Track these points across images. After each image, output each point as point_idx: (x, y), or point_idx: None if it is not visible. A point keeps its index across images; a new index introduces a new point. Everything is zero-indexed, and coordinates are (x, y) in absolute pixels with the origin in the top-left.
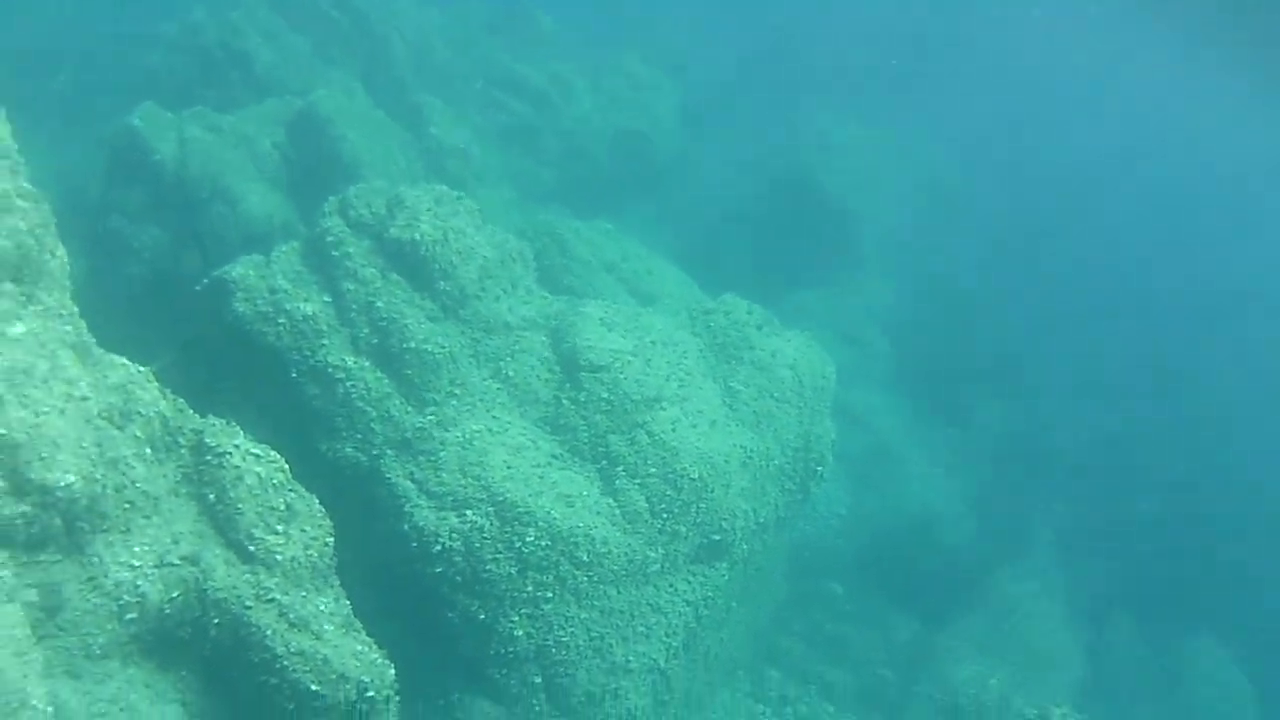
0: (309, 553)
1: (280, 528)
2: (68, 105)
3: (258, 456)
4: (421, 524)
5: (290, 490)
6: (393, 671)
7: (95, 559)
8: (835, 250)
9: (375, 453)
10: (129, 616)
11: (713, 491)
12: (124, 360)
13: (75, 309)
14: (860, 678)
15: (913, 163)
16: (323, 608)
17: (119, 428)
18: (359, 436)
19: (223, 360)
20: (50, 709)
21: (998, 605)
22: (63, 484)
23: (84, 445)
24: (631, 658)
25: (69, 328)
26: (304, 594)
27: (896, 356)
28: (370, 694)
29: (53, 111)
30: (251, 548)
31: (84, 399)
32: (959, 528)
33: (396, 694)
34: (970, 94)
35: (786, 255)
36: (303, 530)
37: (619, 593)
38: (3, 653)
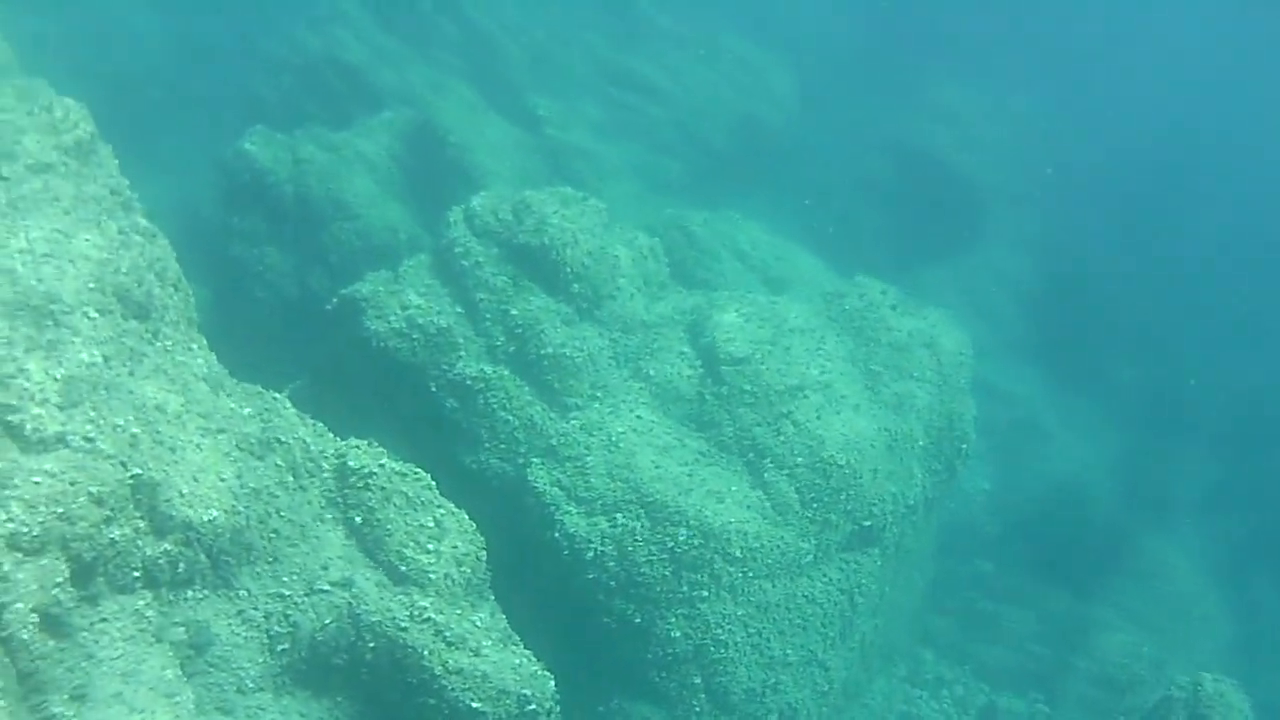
0: (462, 569)
1: (431, 545)
2: (174, 133)
3: (403, 475)
4: (572, 530)
5: (438, 506)
6: (553, 683)
7: (243, 591)
8: (963, 223)
9: (521, 461)
10: (281, 647)
11: (861, 478)
12: (259, 388)
13: (204, 340)
14: (1014, 655)
15: (1037, 132)
16: (479, 623)
17: (259, 457)
18: (503, 446)
19: (358, 379)
20: None
21: (1146, 571)
22: (205, 519)
23: (224, 478)
24: (790, 650)
25: (199, 360)
26: (459, 611)
27: (1030, 327)
28: (531, 707)
29: (159, 140)
30: (403, 568)
31: (220, 431)
32: (1103, 495)
33: (557, 704)
34: (1093, 61)
35: (914, 230)
36: (454, 546)
37: (774, 586)
38: (152, 694)
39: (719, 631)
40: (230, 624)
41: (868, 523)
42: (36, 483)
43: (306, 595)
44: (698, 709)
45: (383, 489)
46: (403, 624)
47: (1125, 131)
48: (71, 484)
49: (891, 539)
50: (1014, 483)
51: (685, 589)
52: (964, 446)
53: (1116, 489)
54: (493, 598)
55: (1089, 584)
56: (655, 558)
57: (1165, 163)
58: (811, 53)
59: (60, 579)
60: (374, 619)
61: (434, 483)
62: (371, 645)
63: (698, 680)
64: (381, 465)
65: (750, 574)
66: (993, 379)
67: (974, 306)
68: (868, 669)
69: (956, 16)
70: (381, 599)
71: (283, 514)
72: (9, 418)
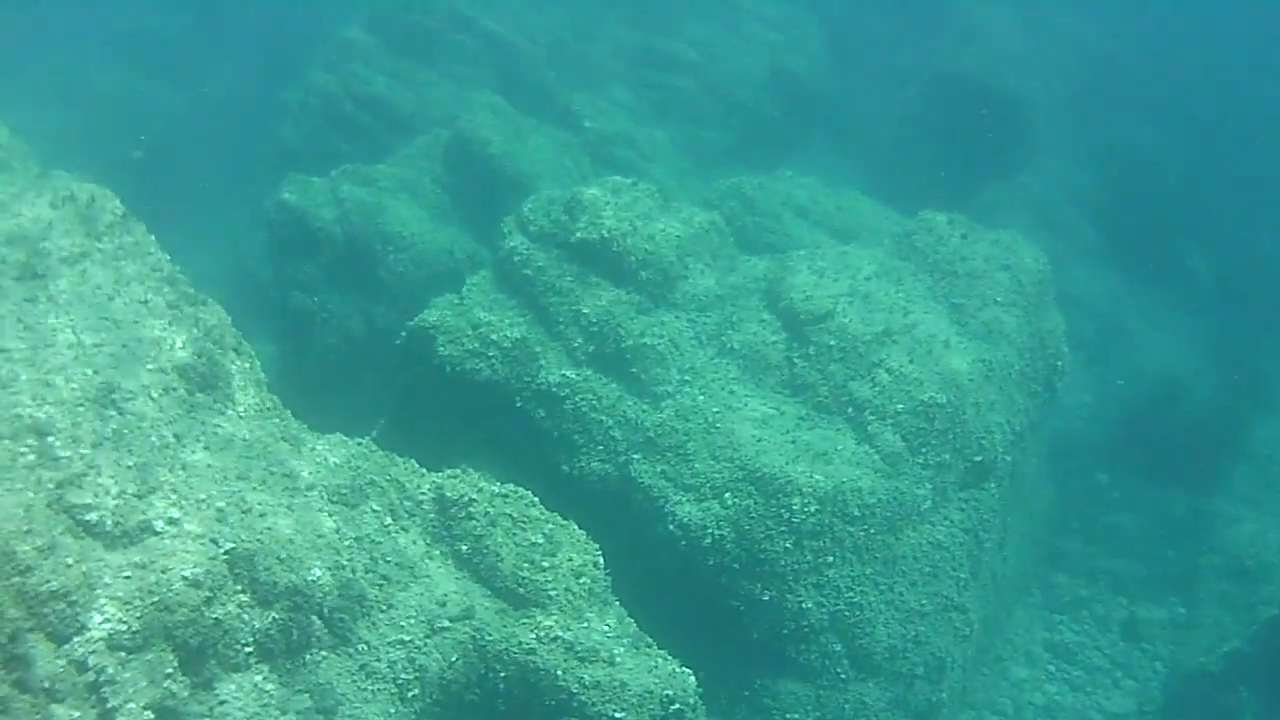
0: (581, 580)
1: (546, 563)
2: (209, 197)
3: (505, 496)
4: (686, 520)
5: (546, 522)
6: (693, 678)
7: (363, 645)
8: (1013, 140)
9: (622, 460)
10: (411, 694)
11: (964, 413)
12: (342, 436)
13: (276, 400)
14: (1145, 563)
15: (1069, 39)
16: (608, 631)
17: (354, 506)
18: (601, 448)
19: (442, 408)
20: None
21: (1259, 456)
22: (310, 580)
23: (322, 534)
24: (925, 600)
25: (276, 420)
26: (586, 624)
27: (1098, 232)
28: (676, 706)
29: (194, 208)
30: (521, 590)
31: (310, 488)
32: (1202, 386)
33: (701, 699)
34: None
35: (966, 156)
36: (569, 559)
37: (898, 539)
38: None
39: (851, 594)
40: (355, 680)
41: (979, 458)
42: (128, 577)
43: (428, 636)
44: (842, 675)
45: (486, 514)
46: (530, 647)
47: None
48: (164, 571)
49: (1005, 469)
50: (1113, 390)
51: (810, 558)
52: (1059, 363)
53: (1214, 378)
54: (618, 603)
55: (1204, 479)
56: (774, 532)
57: (1209, 47)
58: None
59: (170, 670)
60: (500, 647)
61: (537, 499)
62: (503, 675)
63: (838, 647)
64: (480, 490)
65: (872, 531)
66: (1072, 290)
67: (1040, 220)
68: (1003, 603)
69: None
70: (505, 626)
71: (389, 558)
72: (88, 517)
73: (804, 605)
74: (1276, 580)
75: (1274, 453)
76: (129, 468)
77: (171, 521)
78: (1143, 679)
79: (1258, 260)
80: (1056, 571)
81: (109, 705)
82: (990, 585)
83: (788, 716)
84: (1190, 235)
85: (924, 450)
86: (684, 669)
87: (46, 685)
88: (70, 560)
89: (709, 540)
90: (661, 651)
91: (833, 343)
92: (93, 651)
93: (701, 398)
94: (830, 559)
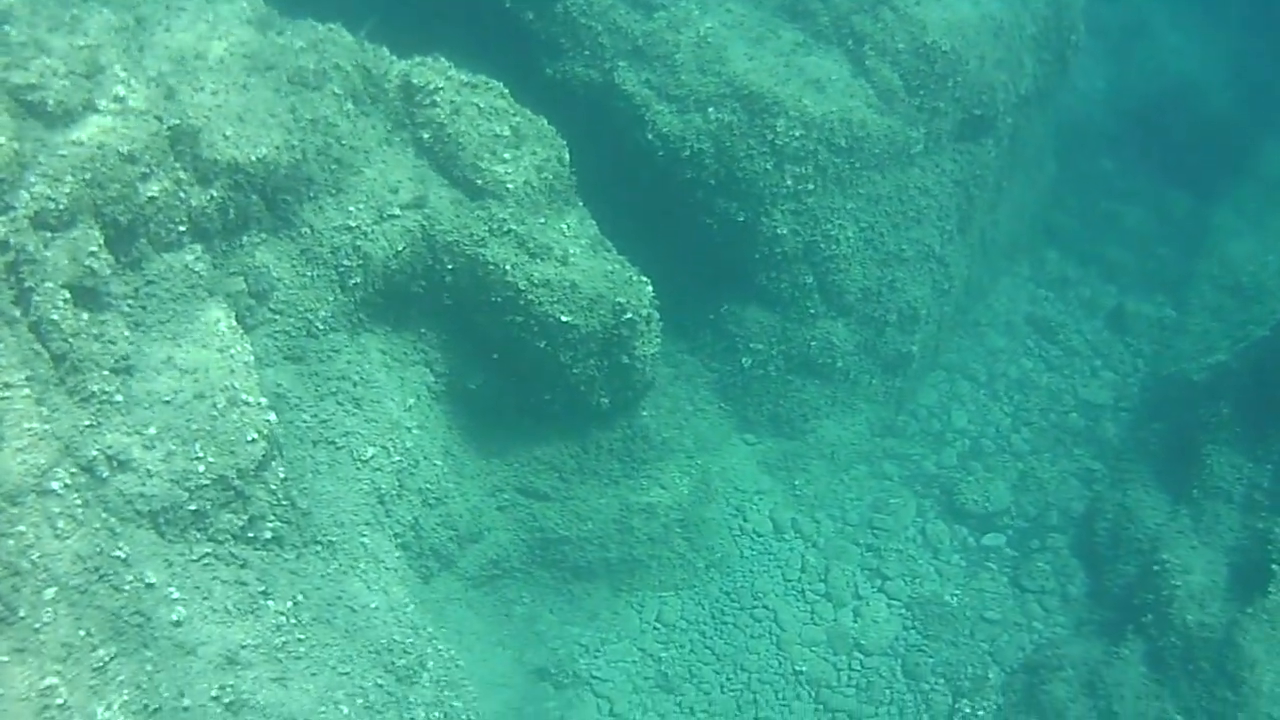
0: (543, 175)
1: (508, 154)
2: None
3: (473, 86)
4: (666, 130)
5: (514, 114)
6: (650, 288)
7: (306, 229)
8: None
9: (607, 66)
10: (353, 281)
11: (968, 64)
12: (311, 22)
13: None
14: (1139, 257)
15: None
16: (566, 230)
17: (315, 88)
18: (586, 53)
19: (431, 11)
20: (263, 400)
21: (1265, 178)
22: (254, 158)
23: (274, 114)
24: (905, 245)
25: (243, 3)
26: (542, 220)
27: None
28: (628, 316)
29: None
30: (479, 181)
31: (270, 68)
32: (1221, 97)
33: (658, 312)
34: None
35: None
36: (533, 153)
37: (884, 177)
38: (206, 352)
39: (828, 226)
40: (294, 265)
41: (978, 111)
42: (63, 155)
43: (376, 223)
44: (812, 310)
45: (452, 102)
46: (481, 239)
47: None
48: (99, 147)
49: (1005, 131)
50: (1129, 83)
51: (789, 183)
52: (1073, 37)
53: (1233, 92)
54: (581, 205)
55: (1210, 186)
56: (755, 151)
57: None
58: None
59: (94, 248)
60: (451, 238)
61: (507, 91)
62: (450, 267)
63: (810, 280)
64: (449, 78)
65: (857, 165)
66: None
67: None
68: (991, 268)
69: None
70: (457, 216)
71: (344, 142)
72: (29, 98)
73: (779, 231)
74: (1270, 301)
75: None
76: (81, 48)
77: (117, 99)
78: (1122, 373)
79: None
80: (1048, 248)
81: (25, 285)
82: (978, 247)
83: (752, 345)
84: None
85: (921, 93)
86: (642, 278)
87: None
88: (2, 139)
89: (687, 153)
90: (621, 258)
91: None
92: (15, 230)
93: (696, 11)
94: (811, 187)
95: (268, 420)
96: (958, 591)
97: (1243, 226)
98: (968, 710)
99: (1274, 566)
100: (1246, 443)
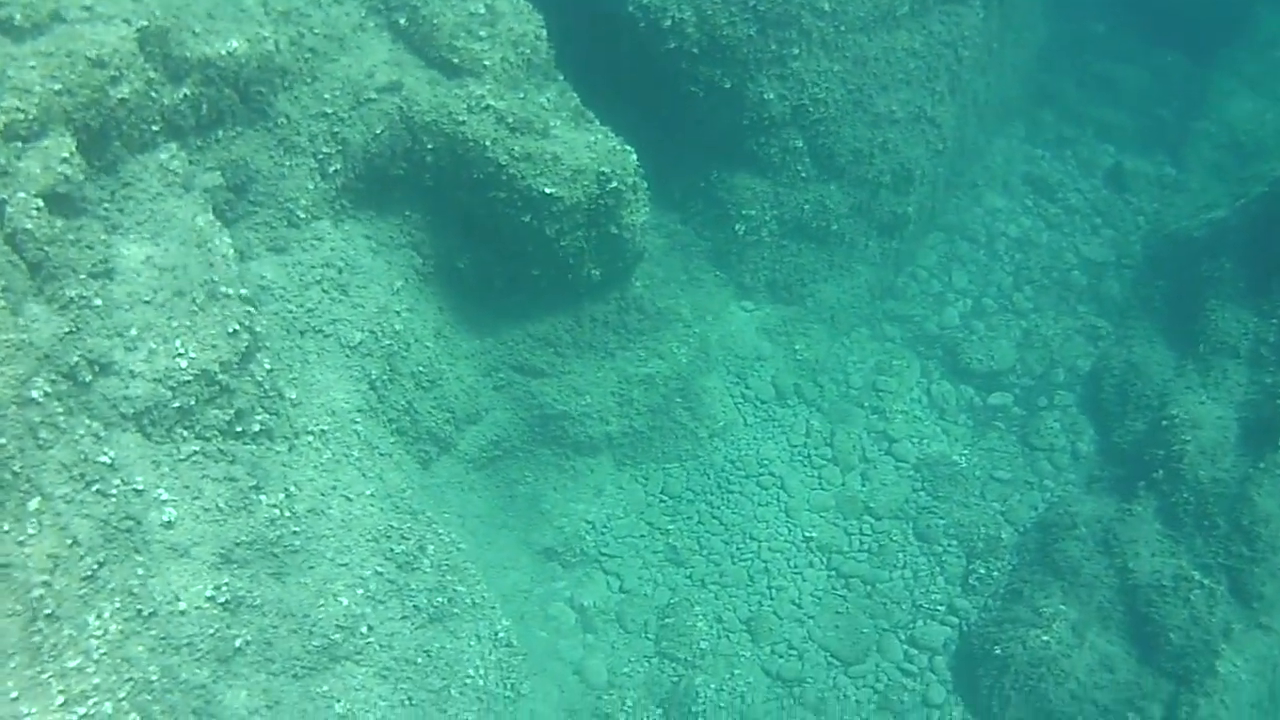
0: (520, 50)
1: (484, 32)
2: None
3: None
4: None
5: None
6: (634, 156)
7: (282, 119)
8: None
9: None
10: (332, 169)
11: None
12: None
13: None
14: (1136, 117)
15: None
16: (546, 104)
17: None
18: None
19: None
20: (244, 291)
21: (1261, 43)
22: (224, 52)
23: (244, 8)
24: (895, 107)
25: None
26: (522, 95)
27: None
28: (613, 185)
29: None
30: (455, 60)
31: None
32: None
33: (644, 181)
34: None
35: None
36: (510, 29)
37: (870, 40)
38: (184, 249)
39: (815, 90)
40: (272, 155)
41: None
42: (31, 67)
43: (353, 108)
44: (803, 174)
45: None
46: (460, 117)
47: None
48: (68, 55)
49: None
50: None
51: (774, 47)
52: None
53: None
54: (561, 78)
55: (1204, 48)
56: (738, 18)
57: None
58: None
59: (66, 154)
60: (429, 118)
61: None
62: (430, 147)
63: (799, 144)
64: None
65: (842, 28)
66: None
67: None
68: (985, 129)
69: None
70: (435, 96)
71: (317, 30)
72: None
73: (765, 96)
74: (1270, 159)
75: (1276, 37)
76: None
77: (85, 8)
78: (1123, 230)
79: None
80: (1043, 109)
81: None
82: (970, 108)
83: (744, 211)
84: None
85: None
86: (626, 147)
87: None
88: None
89: (669, 22)
90: (604, 128)
91: None
92: None
93: None
94: (796, 51)
95: (248, 311)
96: (966, 451)
97: (1239, 87)
98: (982, 571)
99: None
100: (1250, 298)
